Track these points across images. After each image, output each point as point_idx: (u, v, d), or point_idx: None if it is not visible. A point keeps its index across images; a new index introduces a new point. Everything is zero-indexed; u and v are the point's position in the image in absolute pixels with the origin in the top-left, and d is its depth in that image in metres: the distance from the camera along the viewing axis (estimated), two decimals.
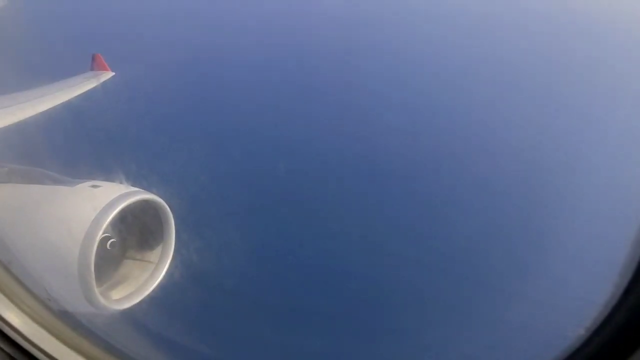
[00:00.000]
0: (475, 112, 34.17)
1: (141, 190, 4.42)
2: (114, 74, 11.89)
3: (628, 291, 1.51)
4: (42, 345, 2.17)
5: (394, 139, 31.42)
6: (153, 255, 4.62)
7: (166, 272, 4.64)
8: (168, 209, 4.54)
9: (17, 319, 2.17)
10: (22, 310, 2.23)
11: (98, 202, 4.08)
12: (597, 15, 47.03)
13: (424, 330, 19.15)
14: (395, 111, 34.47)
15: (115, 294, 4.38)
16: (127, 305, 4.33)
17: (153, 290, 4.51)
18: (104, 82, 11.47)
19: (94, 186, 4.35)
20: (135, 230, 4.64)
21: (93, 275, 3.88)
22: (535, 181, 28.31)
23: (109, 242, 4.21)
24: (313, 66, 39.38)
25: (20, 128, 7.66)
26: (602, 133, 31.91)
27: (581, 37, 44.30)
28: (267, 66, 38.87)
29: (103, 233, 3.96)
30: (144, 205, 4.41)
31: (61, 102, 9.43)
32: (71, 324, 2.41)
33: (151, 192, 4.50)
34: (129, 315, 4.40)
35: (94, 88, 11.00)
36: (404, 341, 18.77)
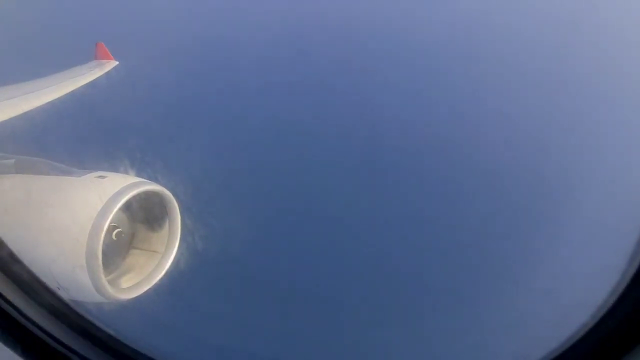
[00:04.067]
0: (477, 112, 33.83)
1: (147, 180, 4.46)
2: (118, 62, 11.85)
3: (635, 281, 1.51)
4: (53, 333, 2.22)
5: (399, 133, 31.26)
6: (160, 244, 4.67)
7: (173, 261, 4.69)
8: (174, 199, 4.58)
9: (28, 307, 2.22)
10: (33, 299, 2.27)
11: (105, 192, 4.11)
12: (598, 14, 46.23)
13: (431, 322, 19.31)
14: (398, 104, 34.21)
15: (123, 284, 4.45)
16: (134, 294, 4.39)
17: (160, 280, 4.57)
18: (108, 71, 11.44)
19: (101, 177, 4.39)
20: (142, 220, 4.69)
21: (101, 265, 3.93)
22: (542, 176, 28.14)
23: (116, 232, 4.26)
24: (319, 61, 39.02)
25: (25, 119, 7.68)
26: (606, 131, 31.59)
27: (581, 35, 43.59)
28: (275, 55, 38.57)
29: (110, 223, 4.01)
30: (150, 195, 4.45)
31: (66, 92, 9.43)
32: (81, 312, 2.45)
33: (157, 182, 4.53)
34: (136, 304, 4.46)
35: (99, 77, 10.97)
36: (409, 332, 18.92)
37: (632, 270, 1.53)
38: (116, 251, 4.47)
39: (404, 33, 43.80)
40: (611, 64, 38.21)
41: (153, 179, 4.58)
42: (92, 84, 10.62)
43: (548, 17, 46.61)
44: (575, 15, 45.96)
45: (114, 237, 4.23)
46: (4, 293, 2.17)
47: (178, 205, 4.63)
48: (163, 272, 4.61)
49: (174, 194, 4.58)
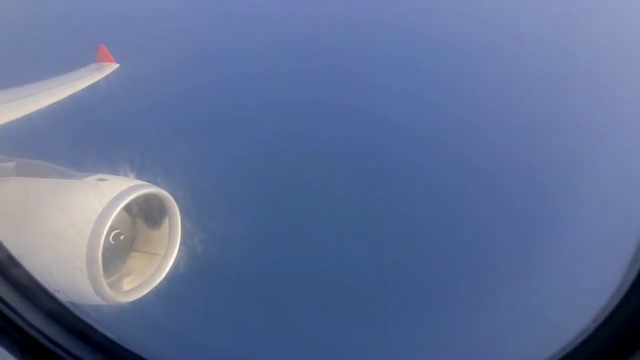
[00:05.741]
0: (478, 112, 33.79)
1: (147, 183, 4.45)
2: (118, 65, 11.86)
3: (637, 283, 1.50)
4: (51, 336, 2.20)
5: (398, 133, 31.22)
6: (160, 247, 4.66)
7: (173, 264, 4.68)
8: (174, 201, 4.57)
9: (26, 310, 2.20)
10: (31, 302, 2.26)
11: (105, 195, 4.11)
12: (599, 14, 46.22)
13: (433, 324, 19.25)
14: (399, 105, 34.18)
15: (123, 286, 4.44)
16: (134, 297, 4.38)
17: (160, 282, 4.56)
18: (109, 74, 11.44)
19: (101, 179, 4.38)
20: (142, 223, 4.68)
21: (101, 268, 3.93)
22: (543, 178, 28.10)
23: (116, 235, 4.25)
24: (319, 61, 39.04)
25: (25, 122, 7.69)
26: (608, 133, 31.54)
27: (582, 34, 43.60)
28: (275, 56, 38.58)
29: (110, 226, 4.00)
30: (150, 198, 4.44)
31: (66, 95, 9.43)
32: (79, 315, 2.44)
33: (157, 184, 4.52)
34: (136, 307, 4.45)
35: (99, 80, 10.98)
36: (410, 334, 18.85)
37: (634, 272, 1.52)
38: (116, 254, 4.47)
39: (403, 32, 43.83)
40: (611, 64, 38.22)
41: (153, 181, 4.57)
42: (92, 87, 10.63)
43: (547, 17, 46.67)
44: (575, 15, 46.04)
45: (113, 240, 4.23)
46: (2, 295, 2.16)
47: (178, 207, 4.62)
48: (163, 275, 4.60)
49: (174, 197, 4.58)
